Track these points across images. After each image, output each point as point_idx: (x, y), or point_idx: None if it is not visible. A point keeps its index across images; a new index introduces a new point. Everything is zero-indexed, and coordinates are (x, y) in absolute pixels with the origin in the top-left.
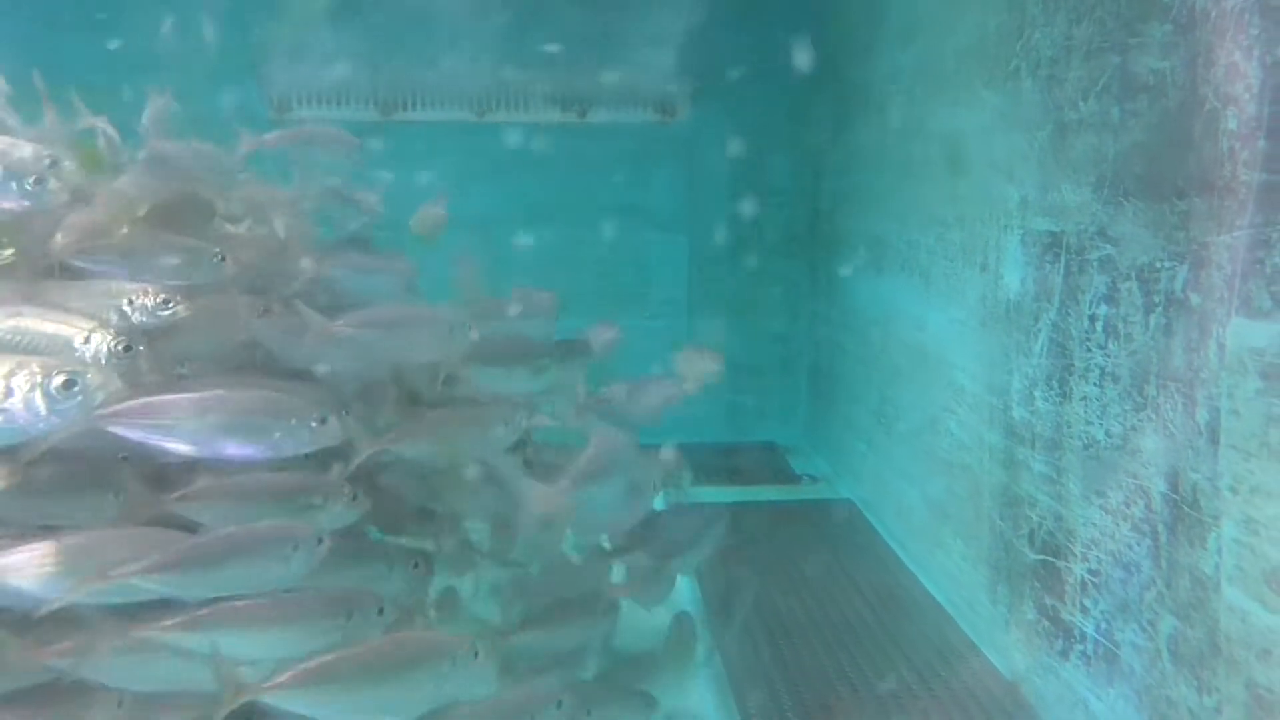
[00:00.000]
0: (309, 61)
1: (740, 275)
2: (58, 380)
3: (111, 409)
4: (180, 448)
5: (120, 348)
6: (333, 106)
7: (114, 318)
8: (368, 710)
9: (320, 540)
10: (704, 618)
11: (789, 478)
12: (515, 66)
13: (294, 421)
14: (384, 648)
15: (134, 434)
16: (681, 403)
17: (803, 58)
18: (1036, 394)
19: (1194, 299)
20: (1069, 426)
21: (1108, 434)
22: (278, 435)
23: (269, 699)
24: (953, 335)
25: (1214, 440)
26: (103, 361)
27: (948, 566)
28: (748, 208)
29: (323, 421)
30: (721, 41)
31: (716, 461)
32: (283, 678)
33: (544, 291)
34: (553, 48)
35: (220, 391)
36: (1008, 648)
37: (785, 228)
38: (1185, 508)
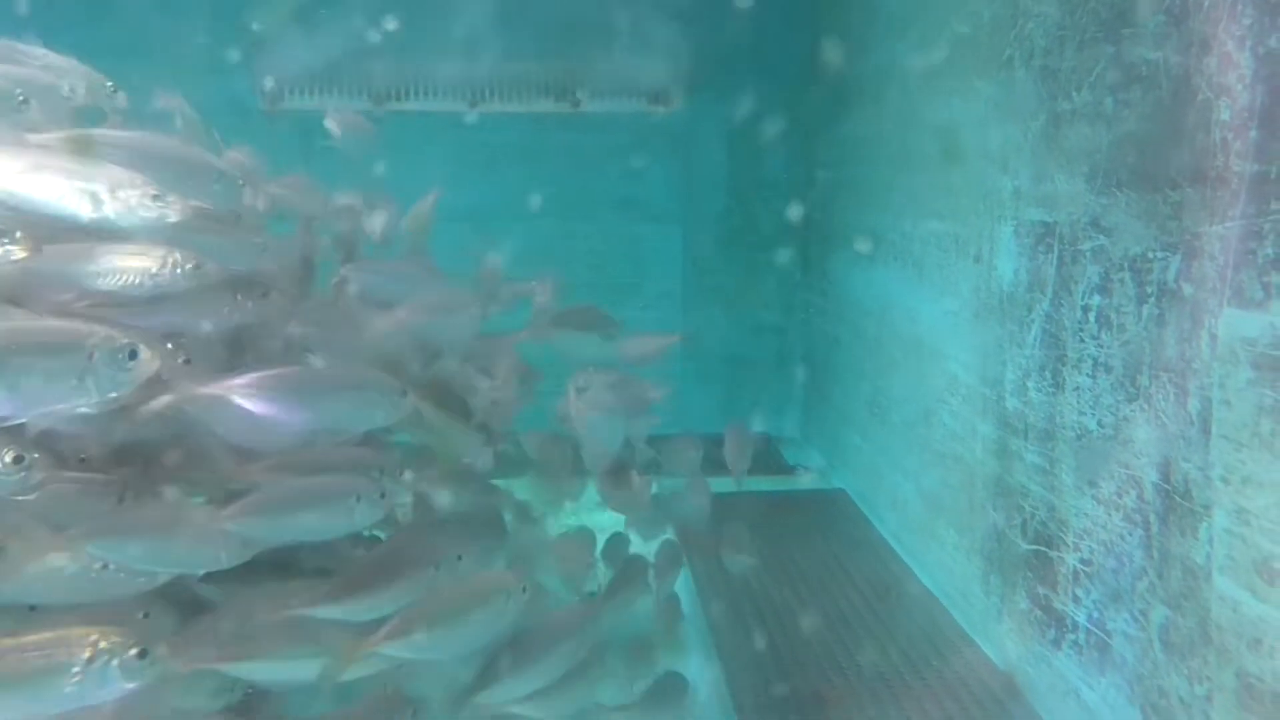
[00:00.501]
0: (301, 51)
1: (734, 267)
2: (121, 350)
3: (224, 384)
4: (287, 421)
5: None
6: (324, 96)
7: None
8: (453, 647)
9: (382, 494)
10: (694, 599)
11: (783, 469)
12: (509, 56)
13: (381, 395)
14: (456, 592)
15: (244, 407)
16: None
17: (798, 48)
18: (1029, 384)
19: (1186, 289)
20: (1062, 417)
21: (1100, 424)
22: (374, 409)
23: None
24: (946, 326)
25: (1206, 430)
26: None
27: (941, 557)
28: (742, 200)
29: (404, 395)
30: (716, 31)
31: (710, 453)
32: (383, 632)
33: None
34: (546, 37)
35: (321, 369)
36: (1000, 637)
37: (780, 219)
38: (1177, 498)
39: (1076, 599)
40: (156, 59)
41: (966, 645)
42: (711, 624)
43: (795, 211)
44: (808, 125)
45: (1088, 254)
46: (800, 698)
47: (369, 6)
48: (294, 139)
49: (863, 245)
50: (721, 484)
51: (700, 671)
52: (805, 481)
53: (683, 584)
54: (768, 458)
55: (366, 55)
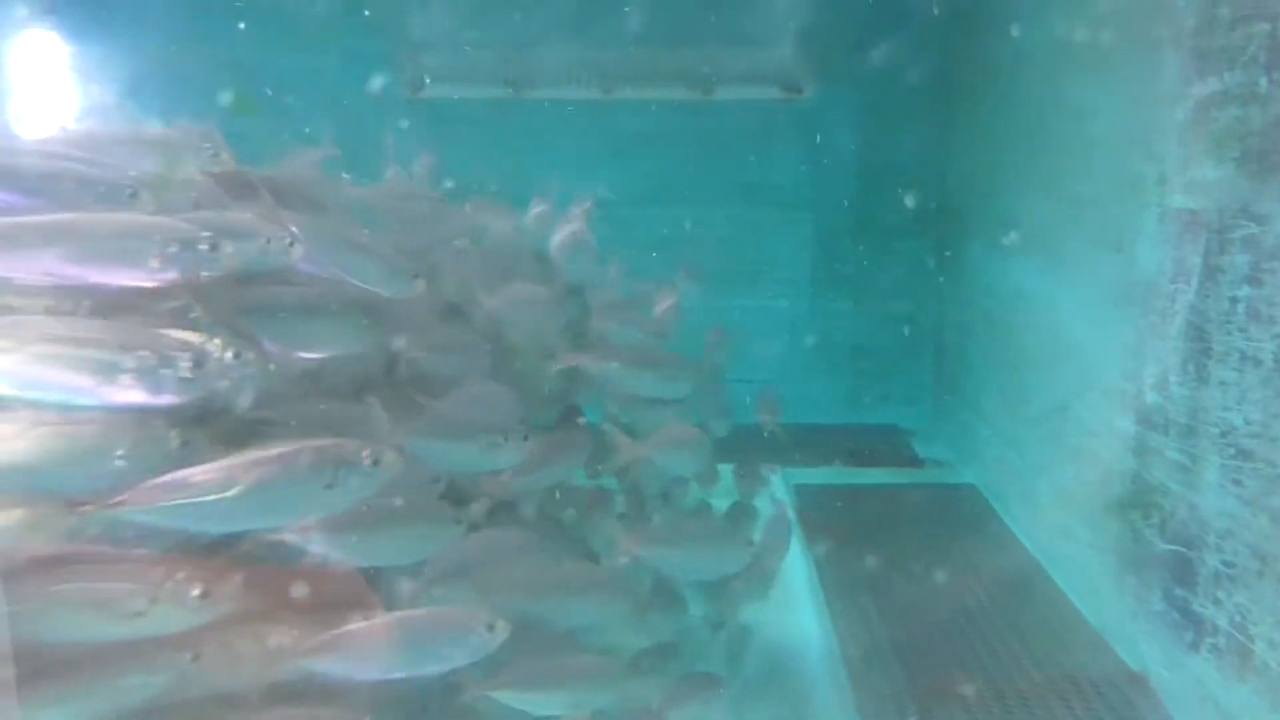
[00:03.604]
0: (443, 41)
1: (865, 254)
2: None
3: None
4: None
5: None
6: (466, 85)
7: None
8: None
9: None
10: (817, 593)
11: (911, 461)
12: (642, 43)
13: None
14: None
15: None
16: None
17: (932, 32)
18: (1171, 379)
19: None
20: (1205, 413)
21: (1247, 421)
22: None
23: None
24: (1084, 317)
25: None
26: None
27: (1073, 554)
28: (873, 186)
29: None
30: (849, 18)
31: (837, 443)
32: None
33: None
34: (679, 24)
35: None
36: (1134, 639)
37: (911, 205)
38: None
39: (1217, 601)
40: (296, 48)
41: (1098, 645)
42: (835, 619)
43: (927, 198)
44: (941, 110)
45: (1237, 243)
46: (923, 694)
47: None
48: (431, 126)
49: (998, 232)
50: (842, 475)
51: (823, 667)
52: (934, 474)
53: (805, 579)
54: (896, 449)
55: (504, 43)
